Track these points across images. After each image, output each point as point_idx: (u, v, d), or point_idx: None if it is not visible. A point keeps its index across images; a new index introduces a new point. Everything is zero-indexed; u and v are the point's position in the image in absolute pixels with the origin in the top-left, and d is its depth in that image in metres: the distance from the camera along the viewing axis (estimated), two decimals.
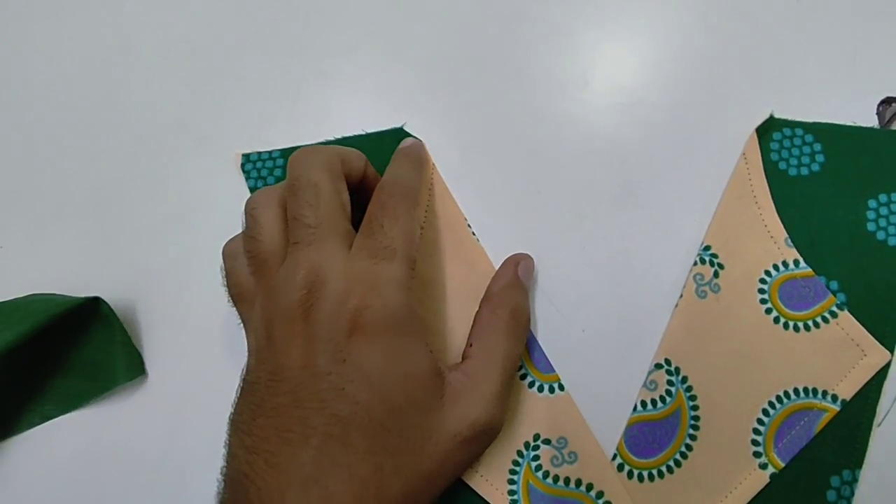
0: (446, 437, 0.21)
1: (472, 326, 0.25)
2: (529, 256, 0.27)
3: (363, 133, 0.30)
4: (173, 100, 0.32)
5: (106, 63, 0.33)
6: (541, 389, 0.25)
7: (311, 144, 0.30)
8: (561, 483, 0.24)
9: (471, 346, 0.24)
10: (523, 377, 0.26)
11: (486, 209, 0.29)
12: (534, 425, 0.25)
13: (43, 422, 0.27)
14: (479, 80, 0.31)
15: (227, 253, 0.23)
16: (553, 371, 0.26)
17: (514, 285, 0.25)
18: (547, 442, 0.25)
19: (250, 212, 0.23)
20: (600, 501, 0.24)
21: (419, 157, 0.28)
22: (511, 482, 0.24)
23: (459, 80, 0.31)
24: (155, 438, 0.26)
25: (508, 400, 0.24)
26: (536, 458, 0.25)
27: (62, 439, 0.27)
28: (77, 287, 0.27)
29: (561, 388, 0.25)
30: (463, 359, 0.24)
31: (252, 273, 0.22)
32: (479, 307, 0.25)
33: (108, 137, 0.31)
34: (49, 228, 0.30)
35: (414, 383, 0.20)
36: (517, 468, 0.25)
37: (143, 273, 0.29)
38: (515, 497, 0.24)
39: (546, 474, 0.24)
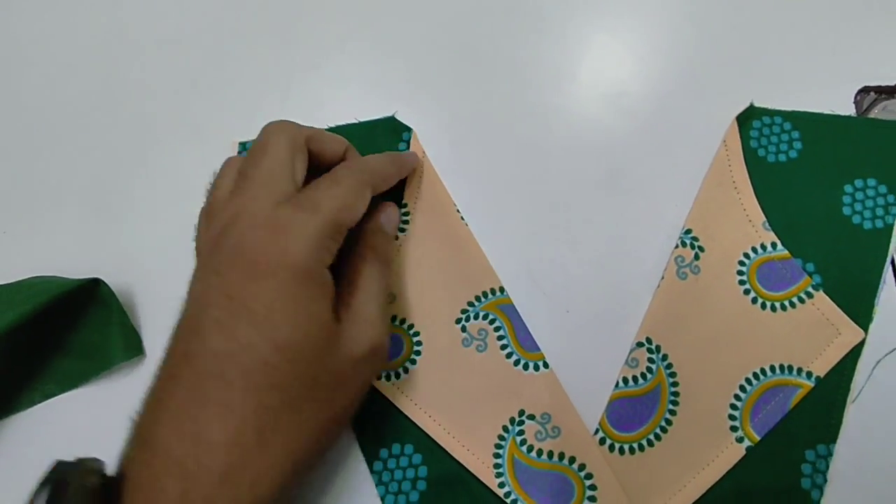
0: (340, 361, 0.21)
1: (345, 270, 0.24)
2: (395, 206, 0.28)
3: (356, 122, 0.31)
4: (170, 91, 0.33)
5: (104, 55, 0.34)
6: (526, 367, 0.26)
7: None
8: (545, 457, 0.25)
9: (343, 286, 0.24)
10: (509, 356, 0.27)
11: (475, 195, 0.29)
12: (519, 402, 0.26)
13: (43, 400, 0.27)
14: (468, 71, 0.32)
15: (199, 213, 0.25)
16: (538, 350, 0.27)
17: (375, 230, 0.26)
18: (531, 417, 0.26)
19: (214, 174, 0.24)
20: (582, 474, 0.25)
21: (403, 159, 0.28)
22: (497, 456, 0.25)
23: (450, 71, 0.32)
24: None
25: (387, 324, 0.24)
26: (521, 433, 0.25)
27: (62, 417, 0.28)
28: (77, 270, 0.28)
29: (545, 365, 0.26)
30: (339, 298, 0.23)
31: (202, 224, 0.23)
32: (348, 253, 0.25)
33: (106, 127, 0.32)
34: (50, 214, 0.31)
35: (306, 323, 0.20)
36: (503, 443, 0.25)
37: (141, 256, 0.29)
38: (501, 470, 0.25)
39: (530, 448, 0.25)
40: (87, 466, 0.19)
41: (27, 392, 0.28)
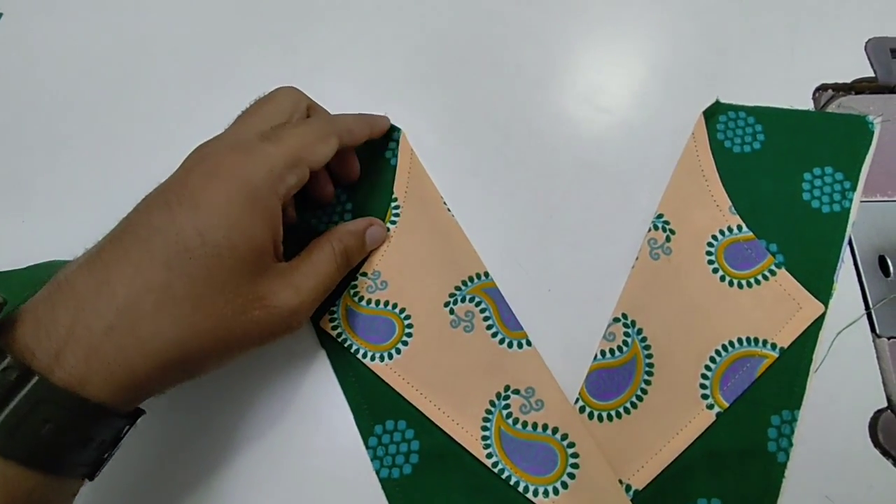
0: (249, 300, 0.22)
1: (309, 246, 0.26)
2: (383, 226, 0.30)
3: None
4: (178, 91, 0.35)
5: (121, 58, 0.36)
6: (510, 345, 0.28)
7: None
8: (529, 428, 0.27)
9: (300, 254, 0.26)
10: (494, 335, 0.28)
11: (462, 186, 0.32)
12: (504, 378, 0.27)
13: None
14: (455, 73, 0.34)
15: None
16: (521, 329, 0.28)
17: (357, 235, 0.28)
18: (516, 392, 0.27)
19: None
20: (565, 443, 0.26)
21: (373, 120, 0.30)
22: (484, 429, 0.27)
23: (438, 73, 0.34)
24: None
25: (313, 306, 0.25)
26: (507, 406, 0.27)
27: None
28: None
29: (528, 343, 0.28)
30: (290, 261, 0.25)
31: None
32: (320, 238, 0.27)
33: (121, 122, 0.35)
34: (68, 202, 0.33)
35: (240, 233, 0.22)
36: (490, 416, 0.27)
37: None
38: (489, 442, 0.26)
39: (516, 421, 0.27)
40: None
41: None
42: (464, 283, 0.29)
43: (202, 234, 0.21)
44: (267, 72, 0.35)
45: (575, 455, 0.26)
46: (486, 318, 0.28)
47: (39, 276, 0.28)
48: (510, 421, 0.27)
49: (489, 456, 0.26)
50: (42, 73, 0.36)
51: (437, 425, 0.27)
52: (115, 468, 0.22)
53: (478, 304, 0.29)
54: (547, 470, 0.26)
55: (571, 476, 0.25)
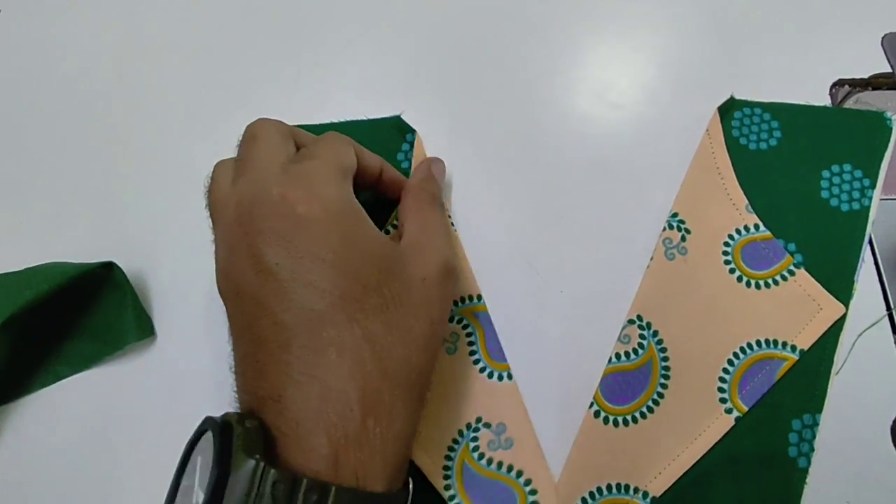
0: (417, 283, 0.22)
1: (400, 213, 0.26)
2: (440, 159, 0.30)
3: (364, 119, 0.32)
4: (182, 90, 0.34)
5: (120, 56, 0.36)
6: (490, 376, 0.27)
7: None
8: (494, 466, 0.25)
9: (404, 226, 0.25)
10: (476, 362, 0.27)
11: (474, 185, 0.31)
12: (477, 408, 0.26)
13: (56, 381, 0.28)
14: (466, 73, 0.34)
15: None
16: (504, 361, 0.27)
17: (429, 178, 0.28)
18: (487, 426, 0.26)
19: (207, 177, 0.24)
20: (527, 488, 0.25)
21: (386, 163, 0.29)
22: (448, 458, 0.26)
23: (448, 73, 0.34)
24: (162, 395, 0.28)
25: (451, 250, 0.25)
26: (475, 439, 0.26)
27: (75, 397, 0.28)
28: (91, 257, 0.29)
29: (509, 377, 0.27)
30: (402, 238, 0.24)
31: (214, 223, 0.24)
32: (402, 198, 0.26)
33: (120, 122, 0.34)
34: (66, 204, 0.32)
35: (370, 251, 0.21)
36: (455, 446, 0.26)
37: (152, 243, 0.31)
38: (449, 473, 0.25)
39: (481, 456, 0.26)
40: (233, 416, 0.19)
41: (41, 374, 0.28)
42: (455, 302, 0.28)
43: (350, 274, 0.20)
44: (270, 72, 0.34)
45: None
46: (470, 343, 0.27)
47: (36, 278, 0.27)
48: (475, 455, 0.26)
49: (447, 487, 0.25)
50: (40, 75, 0.36)
51: None
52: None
53: (465, 327, 0.28)
54: None
55: None
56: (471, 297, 0.28)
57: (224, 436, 0.18)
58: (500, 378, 0.27)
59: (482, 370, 0.27)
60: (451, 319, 0.28)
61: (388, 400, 0.20)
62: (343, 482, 0.18)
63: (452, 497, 0.25)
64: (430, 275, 0.23)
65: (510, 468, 0.25)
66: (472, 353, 0.27)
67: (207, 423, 0.19)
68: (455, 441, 0.26)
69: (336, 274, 0.20)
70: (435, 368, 0.23)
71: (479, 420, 0.26)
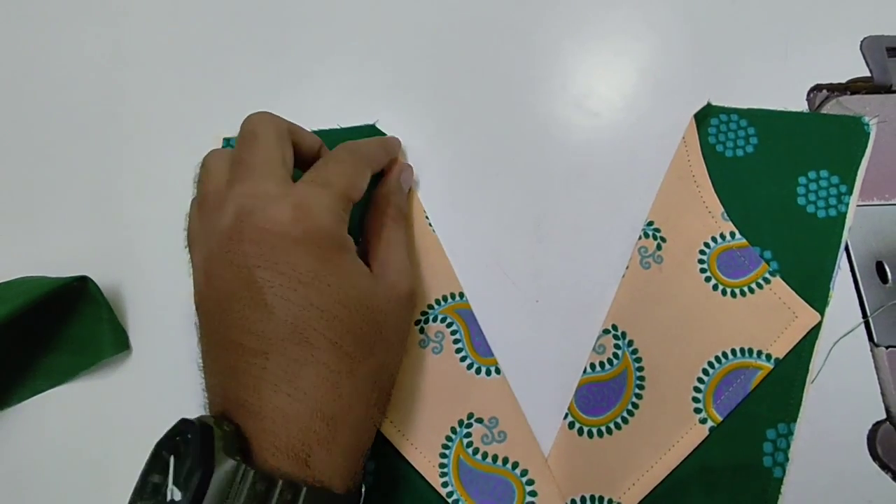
0: (387, 306, 0.24)
1: (367, 226, 0.27)
2: (409, 166, 0.30)
3: (338, 127, 0.32)
4: (161, 98, 0.34)
5: (99, 69, 0.35)
6: (478, 372, 0.27)
7: None
8: (489, 460, 0.26)
9: (370, 243, 0.26)
10: (463, 359, 0.27)
11: (449, 193, 0.31)
12: (469, 405, 0.26)
13: (33, 395, 0.28)
14: (443, 80, 0.33)
15: (191, 205, 0.25)
16: (491, 355, 0.27)
17: (394, 190, 0.28)
18: (479, 421, 0.26)
19: (203, 162, 0.25)
20: (524, 479, 0.25)
21: (390, 143, 0.30)
22: (443, 455, 0.26)
23: (426, 81, 0.34)
24: (139, 408, 0.28)
25: (414, 272, 0.27)
26: (469, 435, 0.26)
27: (52, 411, 0.28)
28: (66, 271, 0.29)
29: (497, 371, 0.27)
30: (369, 253, 0.26)
31: (198, 216, 0.24)
32: (370, 210, 0.28)
33: (99, 133, 0.34)
34: (40, 217, 0.32)
35: (356, 280, 0.23)
36: (450, 443, 0.26)
37: (127, 255, 0.31)
38: (446, 469, 0.26)
39: (476, 451, 0.26)
40: (210, 419, 0.20)
41: (18, 389, 0.28)
42: (437, 301, 0.28)
43: (333, 297, 0.22)
44: (252, 78, 0.34)
45: (533, 493, 0.25)
46: (455, 341, 0.28)
47: (11, 292, 0.27)
48: (470, 450, 0.26)
49: (445, 485, 0.25)
50: (16, 87, 0.36)
51: (394, 447, 0.26)
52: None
53: (449, 326, 0.28)
54: None
55: None
56: (452, 295, 0.28)
57: (205, 437, 0.19)
58: (489, 373, 0.27)
59: (470, 367, 0.27)
60: (434, 319, 0.28)
61: (354, 411, 0.22)
62: (311, 483, 0.20)
63: (451, 494, 0.25)
64: (400, 302, 0.25)
65: (505, 460, 0.26)
66: (459, 350, 0.27)
67: (185, 425, 0.20)
68: (449, 438, 0.26)
69: (328, 298, 0.21)
70: (412, 373, 0.26)
71: (470, 416, 0.26)
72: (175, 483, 0.19)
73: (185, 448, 0.19)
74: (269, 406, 0.20)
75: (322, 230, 0.22)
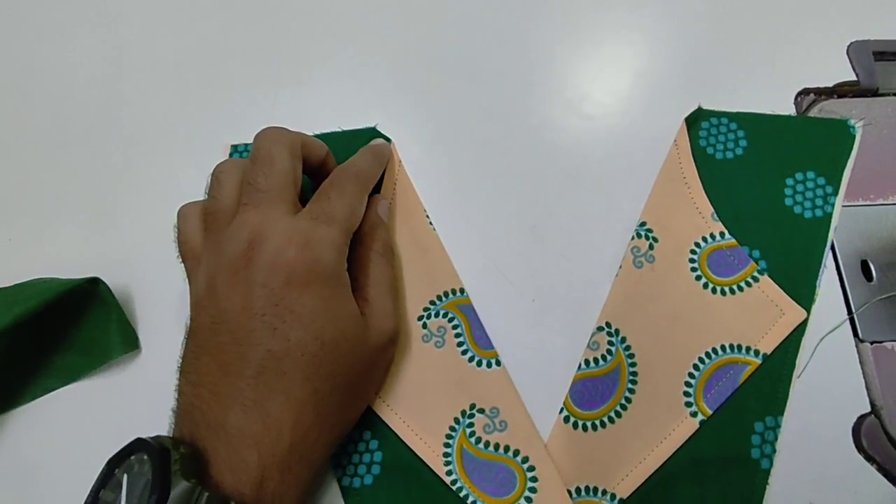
0: (369, 350, 0.25)
1: (356, 264, 0.27)
2: (385, 198, 0.30)
3: (339, 130, 0.33)
4: (165, 104, 0.35)
5: (104, 74, 0.36)
6: (479, 364, 0.28)
7: None
8: (491, 448, 0.27)
9: (358, 279, 0.27)
10: (464, 353, 0.28)
11: (446, 195, 0.32)
12: (470, 396, 0.27)
13: (45, 394, 0.29)
14: (438, 83, 0.34)
15: (182, 214, 0.27)
16: (492, 348, 0.28)
17: (377, 224, 0.29)
18: (481, 411, 0.27)
19: (216, 174, 0.26)
20: (525, 466, 0.26)
21: (381, 153, 0.31)
22: (447, 445, 0.27)
23: (421, 85, 0.35)
24: (148, 406, 0.29)
25: (398, 313, 0.28)
26: (471, 425, 0.27)
27: (63, 409, 0.29)
28: (77, 273, 0.30)
29: (498, 363, 0.28)
30: (356, 288, 0.26)
31: (204, 230, 0.25)
32: (356, 247, 0.27)
33: (103, 139, 0.35)
34: (53, 221, 0.33)
35: (342, 321, 0.24)
36: (453, 433, 0.27)
37: (136, 257, 0.32)
38: (449, 459, 0.26)
39: (478, 440, 0.27)
40: (167, 440, 0.21)
41: (30, 387, 0.29)
42: (438, 297, 0.29)
43: (319, 339, 0.23)
44: (255, 82, 0.35)
45: (534, 479, 0.26)
46: (457, 335, 0.28)
47: (24, 294, 0.28)
48: (473, 440, 0.27)
49: (449, 473, 0.26)
50: (23, 91, 0.36)
51: (400, 438, 0.27)
52: None
53: (450, 320, 0.29)
54: (505, 491, 0.26)
55: (529, 500, 0.26)
56: (454, 291, 0.29)
57: (164, 459, 0.20)
58: (490, 365, 0.28)
59: (471, 359, 0.28)
60: (437, 315, 0.29)
61: (315, 437, 0.23)
62: None
63: (455, 482, 0.26)
64: (382, 344, 0.26)
65: (507, 448, 0.27)
66: (460, 344, 0.28)
67: (141, 446, 0.21)
68: (452, 429, 0.27)
69: (307, 335, 0.23)
70: (416, 367, 0.27)
71: (473, 406, 0.27)
72: (128, 502, 0.20)
73: (139, 468, 0.20)
74: (234, 426, 0.21)
75: (326, 271, 0.23)
